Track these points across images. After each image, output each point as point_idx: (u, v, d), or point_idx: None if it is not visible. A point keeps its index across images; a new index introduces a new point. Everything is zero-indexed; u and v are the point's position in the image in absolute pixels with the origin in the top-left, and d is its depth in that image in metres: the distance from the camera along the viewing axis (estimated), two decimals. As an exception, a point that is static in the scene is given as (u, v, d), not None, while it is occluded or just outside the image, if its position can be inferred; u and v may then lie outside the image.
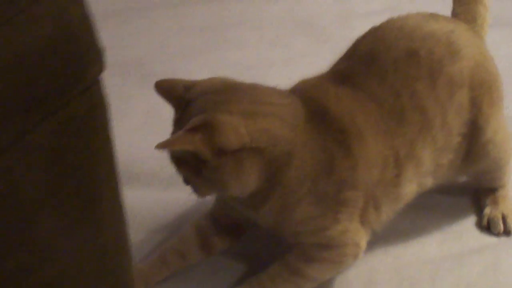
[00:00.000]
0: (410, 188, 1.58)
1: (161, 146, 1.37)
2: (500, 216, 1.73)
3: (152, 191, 1.89)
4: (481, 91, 1.61)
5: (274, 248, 1.62)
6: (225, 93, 1.46)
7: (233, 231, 1.68)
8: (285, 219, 1.51)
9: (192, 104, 1.46)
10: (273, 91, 1.53)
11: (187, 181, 1.49)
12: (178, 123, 1.47)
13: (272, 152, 1.43)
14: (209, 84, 1.49)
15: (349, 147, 1.49)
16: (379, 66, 1.56)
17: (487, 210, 1.75)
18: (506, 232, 1.72)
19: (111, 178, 1.05)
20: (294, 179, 1.46)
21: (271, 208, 1.49)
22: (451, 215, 1.78)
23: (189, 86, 1.49)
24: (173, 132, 1.48)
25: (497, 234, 1.73)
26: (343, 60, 1.64)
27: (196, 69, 2.29)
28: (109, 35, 2.46)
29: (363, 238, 1.55)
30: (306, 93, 1.55)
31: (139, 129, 2.12)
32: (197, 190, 1.49)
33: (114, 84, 2.21)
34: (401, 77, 1.55)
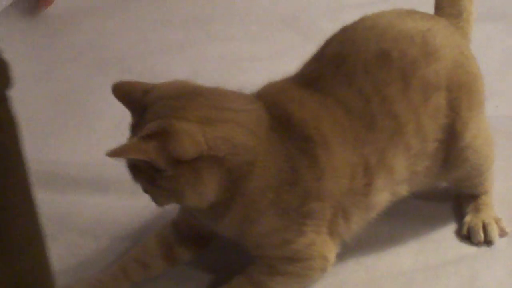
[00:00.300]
0: (382, 197, 1.50)
1: (112, 154, 1.30)
2: (480, 225, 1.64)
3: (120, 197, 1.81)
4: (460, 93, 1.52)
5: (240, 259, 1.54)
6: (183, 98, 1.39)
7: (197, 241, 1.61)
8: (247, 231, 1.45)
9: (150, 109, 1.38)
10: (236, 96, 1.46)
11: (145, 190, 1.42)
12: (134, 129, 1.40)
13: (232, 161, 1.36)
14: (168, 88, 1.43)
15: (314, 156, 1.41)
16: (347, 69, 1.47)
17: (468, 218, 1.66)
18: (486, 242, 1.63)
19: (24, 200, 0.98)
20: (256, 189, 1.39)
21: (232, 219, 1.42)
22: (430, 222, 1.69)
23: (148, 90, 1.42)
24: (129, 139, 1.40)
25: (477, 244, 1.63)
26: (311, 62, 1.55)
27: (178, 64, 2.25)
28: (91, 31, 2.42)
29: (331, 251, 1.47)
30: (271, 97, 1.47)
31: (116, 127, 2.05)
32: (155, 199, 1.43)
33: (94, 81, 2.16)
34: (371, 80, 1.46)
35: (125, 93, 1.43)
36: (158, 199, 1.42)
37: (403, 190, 1.53)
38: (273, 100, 1.46)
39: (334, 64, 1.49)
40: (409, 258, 1.61)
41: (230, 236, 1.50)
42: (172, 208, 1.57)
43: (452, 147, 1.54)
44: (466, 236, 1.64)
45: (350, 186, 1.45)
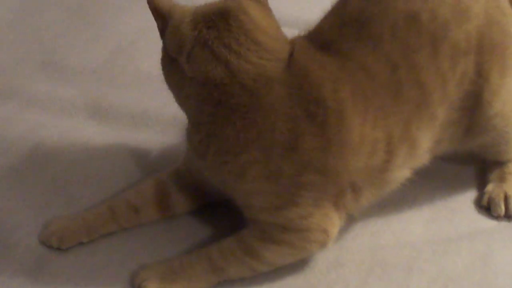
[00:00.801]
0: (400, 174, 1.38)
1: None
2: (502, 196, 1.50)
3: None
4: (491, 57, 1.36)
5: (236, 225, 1.41)
6: (216, 15, 1.30)
7: (195, 194, 1.50)
8: (232, 184, 1.34)
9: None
10: (264, 47, 1.30)
11: None
12: None
13: (200, 90, 1.29)
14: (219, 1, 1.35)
15: (323, 124, 1.28)
16: (372, 32, 1.33)
17: (489, 187, 1.53)
18: (507, 216, 1.50)
19: None
20: (233, 139, 1.29)
21: (212, 161, 1.33)
22: (447, 187, 1.56)
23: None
24: None
25: (497, 217, 1.50)
26: (330, 17, 1.40)
27: None
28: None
29: (334, 225, 1.35)
30: (293, 52, 1.32)
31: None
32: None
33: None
34: (399, 45, 1.32)
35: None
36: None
37: (425, 160, 1.40)
38: (295, 55, 1.31)
39: (357, 24, 1.34)
40: (419, 227, 1.48)
41: (218, 186, 1.39)
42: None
43: (479, 114, 1.39)
44: (486, 207, 1.51)
45: (367, 163, 1.32)
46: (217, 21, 1.28)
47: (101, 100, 1.80)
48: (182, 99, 1.35)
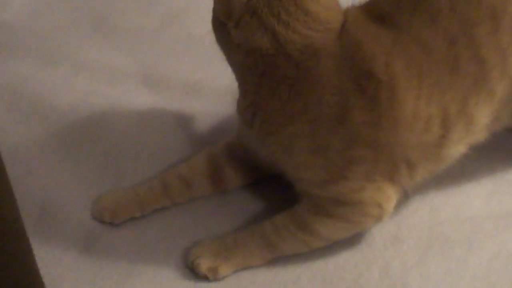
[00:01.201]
0: (456, 149, 1.33)
1: None
2: None
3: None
4: None
5: (288, 198, 1.39)
6: None
7: (247, 169, 1.48)
8: (280, 157, 1.32)
9: None
10: (313, 17, 1.26)
11: None
12: None
13: (247, 58, 1.27)
14: None
15: (374, 99, 1.24)
16: (431, 5, 1.27)
17: None
18: None
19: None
20: (278, 110, 1.27)
21: (259, 131, 1.32)
22: (509, 159, 1.50)
23: None
24: None
25: None
26: None
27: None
28: None
29: (389, 200, 1.31)
30: (345, 23, 1.28)
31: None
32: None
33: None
34: (458, 20, 1.26)
35: None
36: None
37: (481, 137, 1.35)
38: (347, 26, 1.27)
39: None
40: (480, 201, 1.44)
41: (268, 158, 1.37)
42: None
43: None
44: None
45: (421, 139, 1.28)
46: None
47: (152, 68, 1.76)
48: (231, 64, 1.33)
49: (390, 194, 1.30)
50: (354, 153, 1.26)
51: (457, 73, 1.26)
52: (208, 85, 1.71)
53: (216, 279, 1.33)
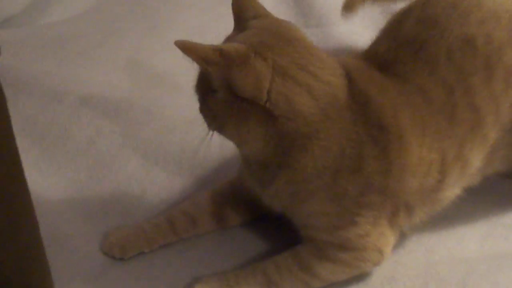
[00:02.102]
0: (451, 192, 1.39)
1: (179, 44, 1.23)
2: None
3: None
4: None
5: (289, 237, 1.43)
6: (277, 39, 1.29)
7: (249, 207, 1.52)
8: (294, 207, 1.37)
9: (247, 32, 1.31)
10: (327, 63, 1.31)
11: (199, 103, 1.36)
12: (225, 40, 1.35)
13: (285, 126, 1.27)
14: (273, 22, 1.34)
15: (386, 149, 1.30)
16: (429, 55, 1.34)
17: None
18: None
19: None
20: (310, 168, 1.30)
21: (278, 190, 1.35)
22: (503, 203, 1.55)
23: (257, 15, 1.35)
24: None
25: None
26: (384, 38, 1.42)
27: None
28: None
29: (388, 244, 1.37)
30: (351, 74, 1.33)
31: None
32: (205, 119, 1.35)
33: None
34: (455, 69, 1.33)
35: (239, 8, 1.36)
36: (205, 118, 1.34)
37: (475, 181, 1.40)
38: (353, 78, 1.32)
39: (414, 47, 1.35)
40: (474, 243, 1.48)
41: (276, 209, 1.40)
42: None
43: None
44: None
45: (421, 183, 1.33)
46: (283, 45, 1.28)
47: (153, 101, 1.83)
48: (243, 140, 1.32)
49: (390, 239, 1.36)
50: (366, 199, 1.31)
51: (455, 120, 1.32)
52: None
53: None
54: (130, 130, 1.75)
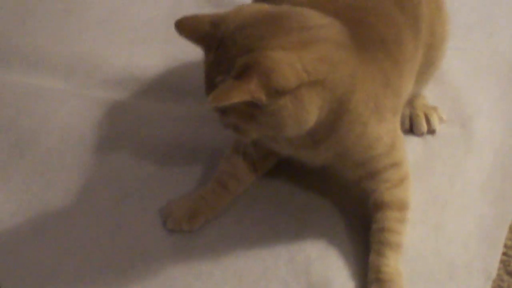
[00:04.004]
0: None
1: (215, 100, 1.24)
2: (422, 116, 1.72)
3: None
4: None
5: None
6: (268, 24, 1.30)
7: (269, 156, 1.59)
8: (350, 149, 1.42)
9: (229, 43, 1.30)
10: (309, 13, 1.35)
11: (230, 126, 1.35)
12: (216, 66, 1.32)
13: (334, 80, 1.31)
14: (244, 15, 1.33)
15: (393, 55, 1.43)
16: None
17: (405, 112, 1.71)
18: (430, 131, 1.72)
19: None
20: (360, 101, 1.36)
21: (337, 140, 1.40)
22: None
23: (217, 22, 1.34)
24: (209, 77, 1.34)
25: (421, 135, 1.72)
26: None
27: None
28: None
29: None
30: (322, 8, 1.39)
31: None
32: (246, 135, 1.36)
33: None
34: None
35: (191, 29, 1.35)
36: (250, 135, 1.36)
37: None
38: (327, 10, 1.39)
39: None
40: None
41: (321, 162, 1.49)
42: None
43: None
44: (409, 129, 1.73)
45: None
46: (274, 27, 1.31)
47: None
48: (303, 123, 1.33)
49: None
50: (396, 105, 1.46)
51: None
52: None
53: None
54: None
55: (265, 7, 1.35)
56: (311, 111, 1.31)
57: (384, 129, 1.42)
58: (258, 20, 1.31)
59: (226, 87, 1.25)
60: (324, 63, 1.29)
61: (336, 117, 1.35)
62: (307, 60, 1.27)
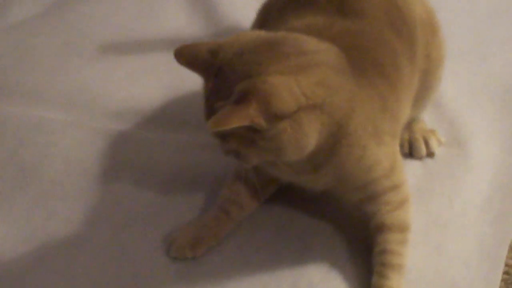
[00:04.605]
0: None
1: (214, 125, 1.26)
2: (421, 139, 1.74)
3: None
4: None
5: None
6: (266, 50, 1.32)
7: (269, 183, 1.60)
8: (350, 172, 1.43)
9: (228, 69, 1.32)
10: (306, 38, 1.38)
11: (230, 152, 1.37)
12: (215, 92, 1.34)
13: (332, 104, 1.33)
14: (242, 42, 1.35)
15: (390, 78, 1.45)
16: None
17: (404, 136, 1.74)
18: (429, 154, 1.75)
19: None
20: (359, 126, 1.38)
21: (337, 164, 1.41)
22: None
23: (216, 49, 1.36)
24: (208, 104, 1.35)
25: (420, 158, 1.74)
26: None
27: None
28: None
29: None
30: (318, 33, 1.42)
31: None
32: (247, 161, 1.37)
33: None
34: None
35: (190, 57, 1.37)
36: (251, 160, 1.37)
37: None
38: (324, 35, 1.41)
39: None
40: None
41: (322, 186, 1.50)
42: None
43: None
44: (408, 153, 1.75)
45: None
46: (270, 51, 1.33)
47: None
48: (304, 147, 1.34)
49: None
50: (394, 129, 1.47)
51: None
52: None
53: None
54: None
55: (262, 33, 1.38)
56: (310, 135, 1.32)
57: (383, 152, 1.43)
58: (256, 46, 1.33)
59: (225, 112, 1.27)
60: (322, 87, 1.31)
61: (336, 141, 1.37)
62: (305, 84, 1.30)
